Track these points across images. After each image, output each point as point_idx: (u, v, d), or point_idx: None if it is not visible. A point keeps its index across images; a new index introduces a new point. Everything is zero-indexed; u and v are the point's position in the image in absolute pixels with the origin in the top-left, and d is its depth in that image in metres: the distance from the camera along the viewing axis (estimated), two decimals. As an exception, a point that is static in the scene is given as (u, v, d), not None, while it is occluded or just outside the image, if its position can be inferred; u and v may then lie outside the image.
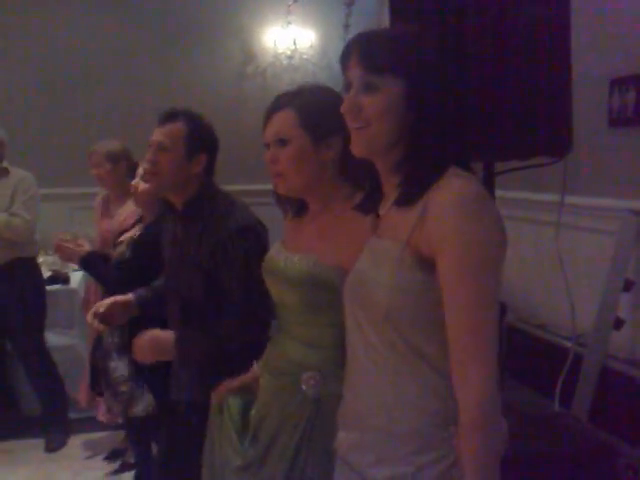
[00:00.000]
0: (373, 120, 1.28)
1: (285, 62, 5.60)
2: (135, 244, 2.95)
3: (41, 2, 5.17)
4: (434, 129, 1.26)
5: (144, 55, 5.29)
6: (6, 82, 5.10)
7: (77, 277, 4.41)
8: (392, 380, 1.30)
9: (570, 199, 2.22)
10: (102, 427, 3.94)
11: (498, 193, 1.96)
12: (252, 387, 1.81)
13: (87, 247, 3.20)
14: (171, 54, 5.34)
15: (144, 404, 2.78)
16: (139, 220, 3.11)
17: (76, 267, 4.50)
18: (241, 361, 1.90)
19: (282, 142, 1.64)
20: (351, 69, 1.31)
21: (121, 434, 3.85)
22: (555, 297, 3.05)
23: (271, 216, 2.14)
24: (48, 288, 4.18)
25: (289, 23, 5.51)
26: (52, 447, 3.92)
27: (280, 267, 1.68)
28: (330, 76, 5.25)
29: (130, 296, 2.36)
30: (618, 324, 2.85)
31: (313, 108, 1.64)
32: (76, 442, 4.02)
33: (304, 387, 1.59)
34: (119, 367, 2.78)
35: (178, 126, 2.17)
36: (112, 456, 3.81)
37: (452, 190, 1.21)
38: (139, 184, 3.03)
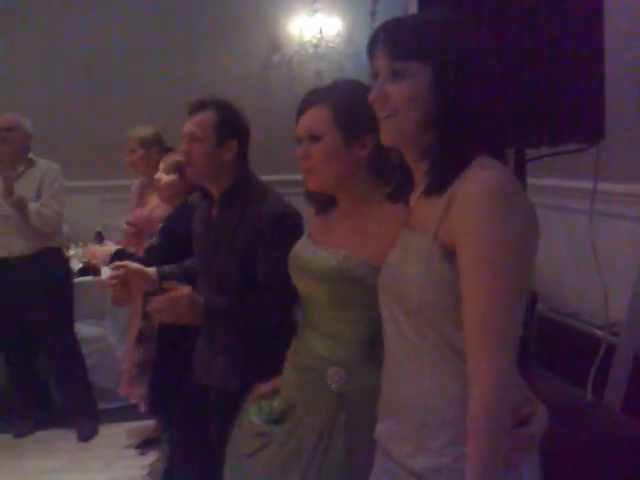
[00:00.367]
0: (400, 108, 1.27)
1: (311, 50, 5.58)
2: (163, 230, 2.99)
3: (82, 2, 5.23)
4: (459, 117, 1.25)
5: (172, 47, 5.32)
6: (42, 77, 5.16)
7: (108, 269, 4.45)
8: (426, 371, 1.30)
9: (602, 186, 2.17)
10: (134, 417, 3.98)
11: (530, 180, 1.93)
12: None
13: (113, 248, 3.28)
14: (198, 45, 5.35)
15: (140, 391, 2.84)
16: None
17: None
18: (274, 356, 1.89)
19: (314, 138, 1.65)
20: (378, 58, 1.30)
21: (154, 424, 3.89)
22: (587, 285, 3.01)
23: (297, 207, 2.15)
24: (79, 280, 4.25)
25: (315, 11, 5.49)
26: (84, 436, 3.98)
27: (308, 262, 1.68)
28: (357, 64, 5.23)
29: (153, 269, 2.40)
30: (652, 312, 2.79)
31: (347, 106, 1.64)
32: (108, 432, 4.07)
33: (329, 382, 1.59)
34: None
35: (208, 115, 2.20)
36: (145, 446, 3.85)
37: (477, 182, 1.19)
38: (162, 177, 3.06)
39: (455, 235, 1.20)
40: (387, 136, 1.32)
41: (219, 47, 5.43)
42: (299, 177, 1.73)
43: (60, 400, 4.20)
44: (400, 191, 1.43)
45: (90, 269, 4.41)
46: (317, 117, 1.65)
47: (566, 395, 2.39)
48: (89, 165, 5.09)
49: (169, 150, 3.37)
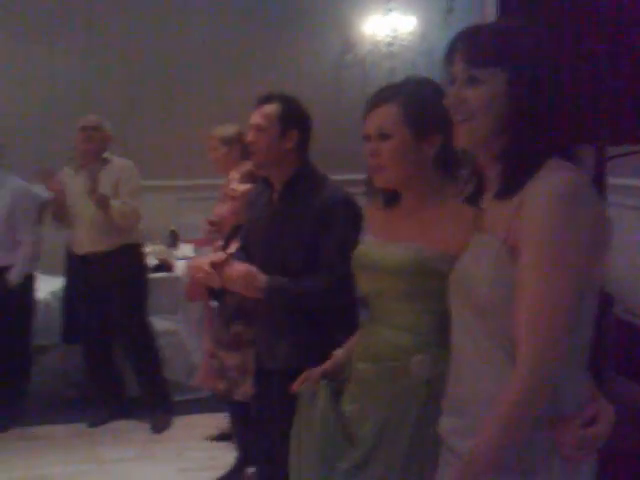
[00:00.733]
0: (476, 113, 1.32)
1: (384, 49, 5.56)
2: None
3: (161, 2, 5.39)
4: (532, 123, 1.28)
5: (245, 46, 5.40)
6: (121, 77, 5.34)
7: (180, 265, 4.57)
8: (493, 370, 1.32)
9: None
10: (205, 409, 4.06)
11: (610, 180, 1.87)
12: (336, 374, 1.82)
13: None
14: (271, 44, 5.43)
15: (244, 389, 2.86)
16: None
17: (180, 256, 4.71)
18: (330, 336, 1.98)
19: (384, 136, 1.66)
20: (455, 64, 1.35)
21: (226, 417, 3.93)
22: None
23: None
24: (154, 276, 4.36)
25: (390, 10, 5.48)
26: (158, 428, 4.07)
27: (377, 259, 1.69)
28: (430, 62, 5.18)
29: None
30: None
31: (417, 105, 1.65)
32: (179, 424, 4.13)
33: (416, 369, 1.59)
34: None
35: (272, 107, 2.32)
36: (219, 439, 3.87)
37: (546, 184, 1.23)
38: (238, 187, 3.06)
39: (521, 236, 1.24)
40: (461, 139, 1.37)
41: (292, 47, 5.49)
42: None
43: (134, 392, 4.31)
44: (476, 196, 1.46)
45: (164, 266, 4.53)
46: (388, 115, 1.66)
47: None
48: (166, 165, 5.21)
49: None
